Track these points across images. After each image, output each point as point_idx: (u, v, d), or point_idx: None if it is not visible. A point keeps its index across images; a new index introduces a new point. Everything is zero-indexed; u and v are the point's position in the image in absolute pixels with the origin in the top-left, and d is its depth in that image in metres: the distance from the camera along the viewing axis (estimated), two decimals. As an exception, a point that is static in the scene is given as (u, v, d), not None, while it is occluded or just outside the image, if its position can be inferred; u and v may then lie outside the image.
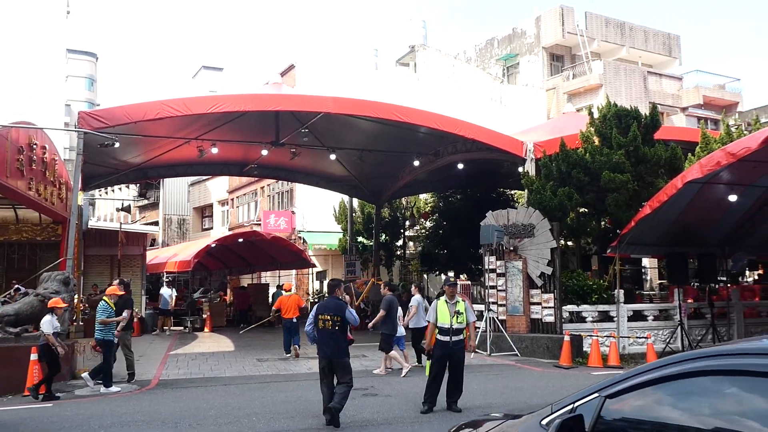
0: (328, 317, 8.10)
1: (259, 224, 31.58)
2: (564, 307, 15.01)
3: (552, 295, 14.94)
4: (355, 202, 26.64)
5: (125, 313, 11.56)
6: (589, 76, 32.99)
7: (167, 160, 21.15)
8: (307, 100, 16.32)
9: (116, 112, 13.79)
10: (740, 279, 20.81)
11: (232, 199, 39.30)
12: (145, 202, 47.36)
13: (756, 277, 22.79)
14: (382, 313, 12.68)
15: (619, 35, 36.40)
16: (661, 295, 20.50)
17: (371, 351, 14.95)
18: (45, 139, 13.70)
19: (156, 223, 43.02)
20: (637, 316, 15.44)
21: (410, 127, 17.44)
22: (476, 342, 8.74)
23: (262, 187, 34.61)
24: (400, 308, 13.13)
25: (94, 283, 21.79)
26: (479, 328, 15.10)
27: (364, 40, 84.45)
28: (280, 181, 31.08)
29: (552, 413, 3.23)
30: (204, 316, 24.31)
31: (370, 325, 14.38)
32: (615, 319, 15.01)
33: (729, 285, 17.17)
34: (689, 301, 16.74)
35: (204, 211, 45.41)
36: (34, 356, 10.69)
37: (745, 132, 16.40)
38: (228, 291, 33.65)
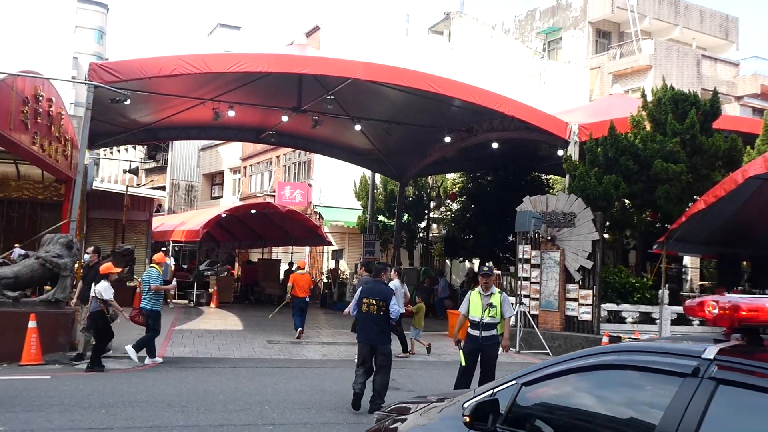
0: (374, 301, 8.21)
1: (273, 195, 31.33)
2: (602, 306, 14.64)
3: (591, 291, 14.56)
4: (378, 177, 26.18)
5: (174, 281, 11.75)
6: (638, 56, 32.12)
7: (179, 122, 20.87)
8: (334, 64, 15.92)
9: (130, 66, 13.49)
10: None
11: (245, 168, 39.09)
12: (153, 164, 47.25)
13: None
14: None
15: (673, 14, 35.43)
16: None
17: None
18: (52, 91, 13.48)
19: (162, 188, 42.87)
20: (681, 320, 15.02)
21: (443, 100, 16.98)
22: (509, 342, 8.46)
23: (278, 156, 34.31)
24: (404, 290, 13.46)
25: (95, 247, 21.60)
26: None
27: (395, 3, 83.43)
28: (297, 151, 30.76)
29: (474, 396, 3.68)
30: (210, 290, 24.20)
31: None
32: (657, 321, 14.62)
33: (783, 292, 16.69)
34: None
35: (214, 179, 45.31)
36: (32, 323, 10.53)
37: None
38: (236, 265, 33.62)
